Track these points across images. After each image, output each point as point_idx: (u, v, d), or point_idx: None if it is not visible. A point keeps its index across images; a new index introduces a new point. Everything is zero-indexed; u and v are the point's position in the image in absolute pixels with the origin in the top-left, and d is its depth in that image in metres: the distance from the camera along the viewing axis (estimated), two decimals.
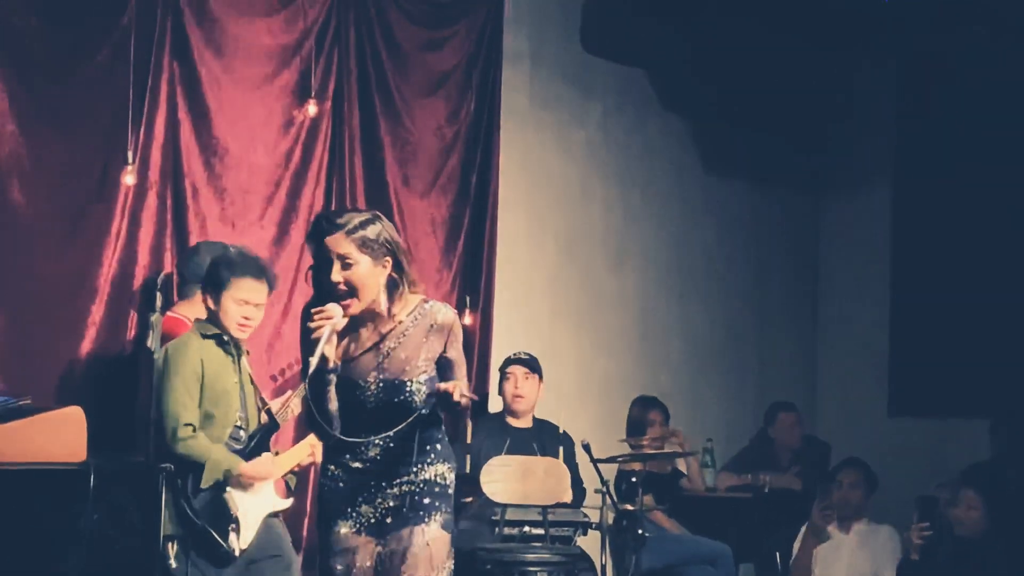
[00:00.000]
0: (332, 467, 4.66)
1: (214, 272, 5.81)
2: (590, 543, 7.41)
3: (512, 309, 8.55)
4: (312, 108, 7.51)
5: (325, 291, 4.52)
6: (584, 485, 7.40)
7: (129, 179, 6.75)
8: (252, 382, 6.00)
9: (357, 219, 4.55)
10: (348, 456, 4.61)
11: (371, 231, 4.53)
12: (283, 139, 7.49)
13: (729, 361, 9.93)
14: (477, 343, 8.19)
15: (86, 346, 6.67)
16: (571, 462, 7.43)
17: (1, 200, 6.45)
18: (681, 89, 9.57)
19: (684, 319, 9.71)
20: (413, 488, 4.60)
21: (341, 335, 4.56)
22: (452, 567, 4.65)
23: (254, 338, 6.37)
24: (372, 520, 4.61)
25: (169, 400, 5.62)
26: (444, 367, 4.65)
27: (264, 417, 5.97)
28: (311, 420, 4.57)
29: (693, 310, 9.77)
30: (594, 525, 7.31)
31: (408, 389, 4.56)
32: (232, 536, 5.66)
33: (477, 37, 8.34)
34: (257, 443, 5.86)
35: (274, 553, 5.90)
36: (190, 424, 5.64)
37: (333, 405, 4.55)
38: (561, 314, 8.87)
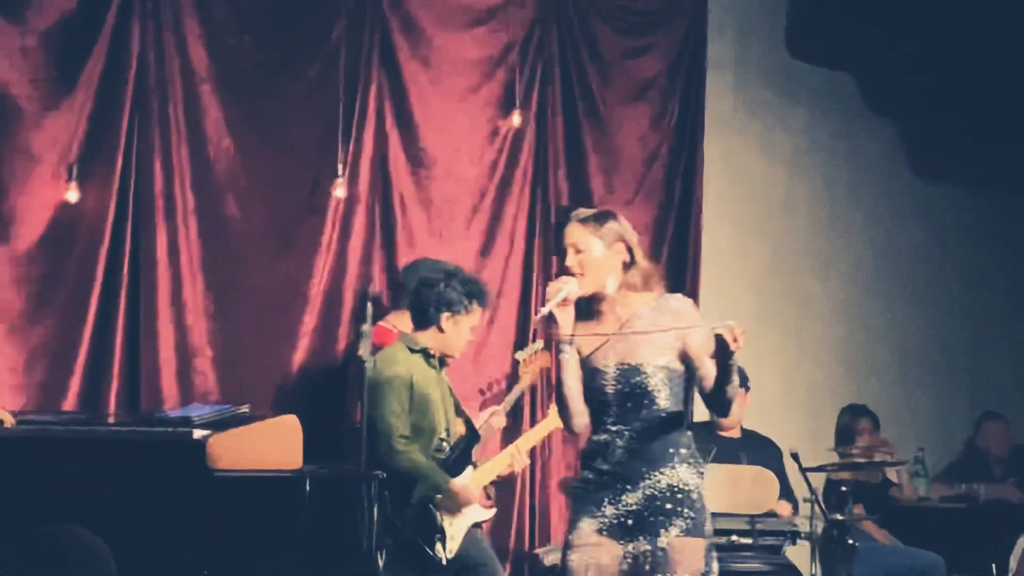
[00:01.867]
0: (585, 470, 4.73)
1: (456, 294, 5.92)
2: (799, 553, 7.31)
3: (717, 317, 8.40)
4: (516, 118, 7.56)
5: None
6: (794, 496, 7.31)
7: (339, 192, 6.87)
8: (452, 394, 6.09)
9: (589, 211, 4.79)
10: (599, 458, 4.67)
11: (600, 220, 4.74)
12: (488, 149, 7.55)
13: (940, 368, 9.71)
14: None
15: (299, 356, 6.81)
16: (780, 472, 7.34)
17: (217, 213, 6.64)
18: (889, 91, 9.39)
19: (893, 326, 9.52)
20: (655, 492, 4.62)
21: (583, 323, 4.70)
22: (705, 570, 4.61)
23: None
24: (615, 522, 4.63)
25: (383, 413, 5.72)
26: (690, 360, 4.71)
27: (463, 428, 6.06)
28: (562, 406, 4.69)
29: (902, 316, 9.58)
30: (803, 535, 7.21)
31: (643, 372, 4.64)
32: (439, 546, 5.73)
33: (680, 44, 8.30)
34: (460, 455, 5.93)
35: (481, 562, 5.96)
36: (404, 436, 5.74)
37: (573, 382, 4.66)
38: (767, 321, 8.78)
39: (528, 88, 7.66)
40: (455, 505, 5.80)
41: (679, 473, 4.64)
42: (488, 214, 7.54)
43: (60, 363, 6.20)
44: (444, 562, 5.75)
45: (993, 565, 7.86)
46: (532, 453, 7.43)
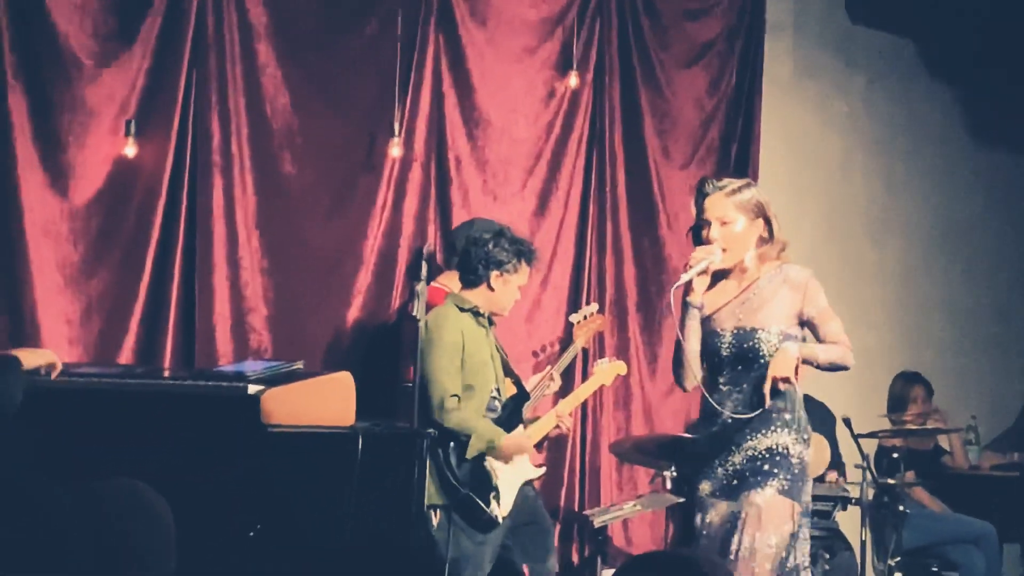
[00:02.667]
0: (697, 432, 4.95)
1: (505, 253, 5.93)
2: (849, 519, 7.31)
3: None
4: (573, 80, 7.53)
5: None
6: (843, 461, 7.30)
7: (395, 151, 6.87)
8: (502, 352, 6.10)
9: (736, 183, 4.87)
10: (710, 419, 4.83)
11: (746, 194, 4.84)
12: (544, 111, 7.54)
13: (995, 336, 9.65)
14: None
15: (353, 313, 6.84)
16: (830, 438, 7.32)
17: (274, 171, 6.65)
18: (948, 57, 9.31)
19: (948, 293, 9.47)
20: (755, 454, 4.76)
21: (711, 287, 4.85)
22: (794, 532, 4.72)
23: (515, 310, 6.46)
24: (724, 482, 4.79)
25: (434, 373, 5.75)
26: (812, 327, 4.89)
27: (513, 387, 6.08)
28: (679, 365, 4.86)
29: (958, 284, 9.52)
30: (854, 500, 7.21)
31: (757, 337, 4.77)
32: (494, 503, 5.76)
33: (739, 7, 8.25)
34: (510, 413, 5.95)
35: (532, 520, 6.00)
36: (456, 396, 5.76)
37: (695, 345, 4.83)
38: (822, 286, 8.72)
39: (585, 49, 7.64)
40: (509, 461, 5.84)
41: (780, 437, 4.76)
42: (543, 176, 7.53)
43: (116, 317, 6.24)
44: (500, 519, 5.78)
45: None
46: (584, 414, 7.46)
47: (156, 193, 6.31)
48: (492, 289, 5.95)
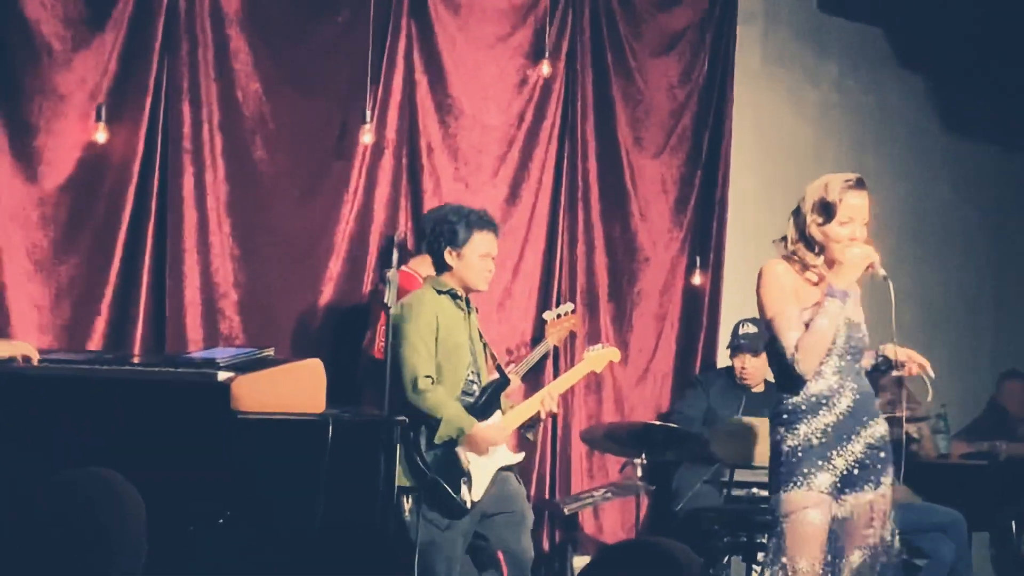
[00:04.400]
0: (801, 424, 4.92)
1: (452, 227, 5.89)
2: None
3: (743, 270, 8.44)
4: (546, 68, 7.53)
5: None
6: None
7: (367, 138, 6.86)
8: (482, 338, 6.09)
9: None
10: (823, 411, 4.90)
11: None
12: (516, 99, 7.54)
13: (964, 326, 9.69)
14: (707, 303, 8.18)
15: (324, 300, 6.84)
16: None
17: (245, 158, 6.64)
18: (919, 47, 9.34)
19: (918, 283, 9.49)
20: (873, 441, 4.93)
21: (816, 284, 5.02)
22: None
23: (486, 297, 6.47)
24: (845, 473, 4.89)
25: (407, 352, 5.73)
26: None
27: (495, 373, 6.06)
28: (815, 355, 4.91)
29: (928, 274, 9.55)
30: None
31: (863, 332, 5.07)
32: (464, 489, 5.74)
33: None
34: (488, 398, 5.93)
35: (508, 509, 5.96)
36: (429, 376, 5.74)
37: (832, 334, 4.95)
38: None
39: (558, 38, 7.64)
40: (481, 448, 5.82)
41: (884, 424, 5.01)
42: (515, 163, 7.53)
43: (86, 303, 6.22)
44: (469, 505, 5.76)
45: (1013, 523, 7.87)
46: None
47: (126, 179, 6.29)
48: (450, 267, 5.92)
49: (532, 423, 6.20)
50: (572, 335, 7.35)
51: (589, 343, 7.13)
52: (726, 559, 6.88)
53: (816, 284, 4.98)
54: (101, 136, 6.16)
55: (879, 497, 4.93)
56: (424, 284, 6.03)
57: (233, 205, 6.59)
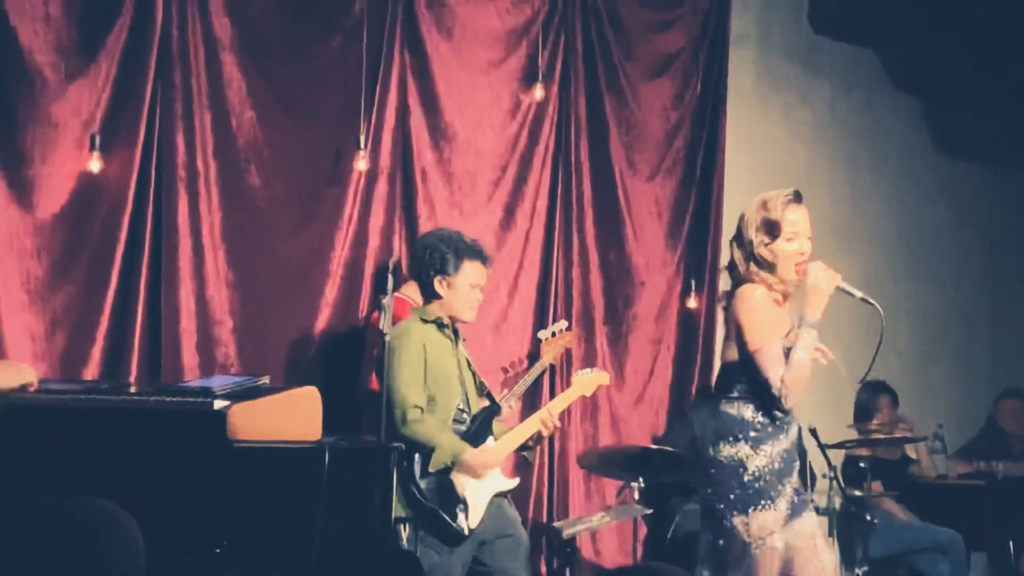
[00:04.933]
0: (768, 449, 4.88)
1: (443, 255, 5.88)
2: None
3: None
4: (539, 92, 7.54)
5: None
6: (813, 470, 7.31)
7: (361, 164, 6.86)
8: (470, 366, 6.08)
9: None
10: (782, 436, 4.89)
11: None
12: (510, 123, 7.54)
13: (960, 345, 9.71)
14: (703, 325, 8.17)
15: (320, 327, 6.82)
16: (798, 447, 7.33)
17: (239, 184, 6.63)
18: (912, 67, 9.37)
19: (913, 302, 9.51)
20: (800, 467, 5.01)
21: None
22: None
23: (481, 321, 6.46)
24: (794, 499, 4.86)
25: (397, 384, 5.72)
26: None
27: (484, 400, 6.06)
28: (800, 386, 4.95)
29: (923, 293, 9.57)
30: (821, 510, 7.22)
31: None
32: (461, 516, 5.74)
33: (703, 18, 8.28)
34: (480, 425, 5.93)
35: (506, 533, 5.96)
36: (418, 407, 5.74)
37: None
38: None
39: (551, 62, 7.65)
40: (476, 475, 5.81)
41: None
42: (509, 187, 7.54)
43: (81, 332, 6.20)
44: (467, 532, 5.76)
45: (1011, 542, 7.88)
46: None
47: (121, 207, 6.29)
48: (439, 296, 5.92)
49: (531, 444, 6.19)
50: (568, 352, 7.34)
51: (585, 367, 7.13)
52: None
53: (779, 304, 4.94)
54: (95, 165, 6.16)
55: (816, 527, 4.89)
56: (411, 314, 6.02)
57: (228, 232, 6.58)
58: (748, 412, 4.86)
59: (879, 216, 9.39)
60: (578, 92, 7.78)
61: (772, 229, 4.87)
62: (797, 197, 4.91)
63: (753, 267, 4.90)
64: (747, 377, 4.88)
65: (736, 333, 4.89)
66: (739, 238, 4.95)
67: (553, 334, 6.83)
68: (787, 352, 4.83)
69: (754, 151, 8.68)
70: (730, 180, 8.35)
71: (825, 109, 9.12)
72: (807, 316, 4.83)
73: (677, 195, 8.17)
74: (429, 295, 5.95)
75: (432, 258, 5.90)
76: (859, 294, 4.93)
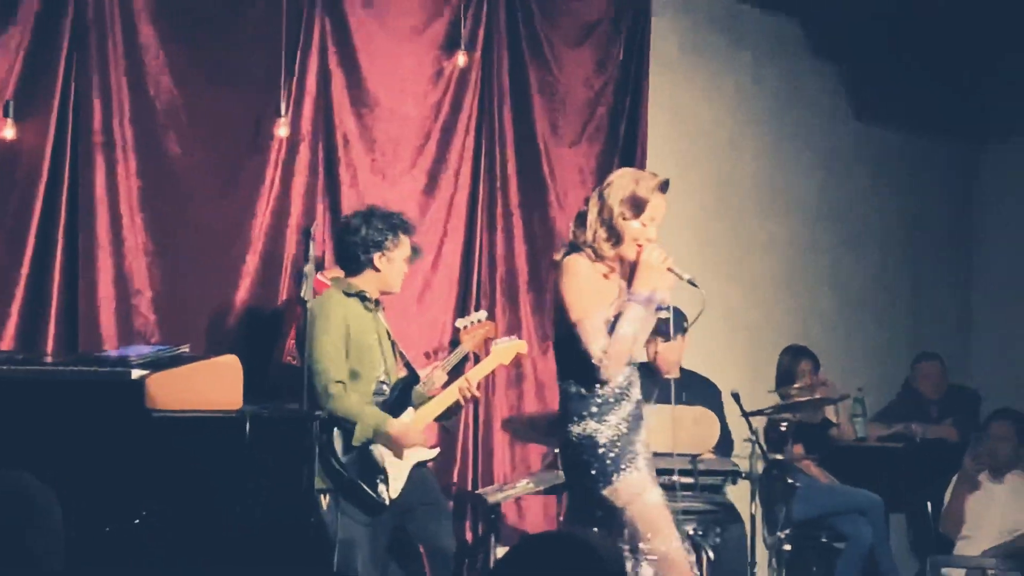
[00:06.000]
0: (613, 418, 4.87)
1: (383, 232, 5.90)
2: (740, 492, 7.37)
3: None
4: (462, 59, 7.52)
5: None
6: (732, 435, 7.35)
7: (282, 131, 6.82)
8: (390, 336, 6.08)
9: None
10: (624, 401, 4.89)
11: None
12: (433, 90, 7.51)
13: (881, 311, 9.79)
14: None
15: (240, 295, 6.77)
16: (719, 412, 7.37)
17: (158, 151, 6.56)
18: (833, 35, 9.41)
19: (835, 268, 9.59)
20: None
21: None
22: None
23: (405, 289, 6.44)
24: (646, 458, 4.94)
25: (318, 356, 5.71)
26: None
27: (403, 371, 6.06)
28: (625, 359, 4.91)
29: (844, 259, 9.64)
30: (744, 474, 7.26)
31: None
32: (381, 486, 5.74)
33: None
34: (399, 395, 5.94)
35: (427, 501, 5.99)
36: (340, 382, 5.73)
37: None
38: (710, 263, 8.80)
39: (474, 29, 7.62)
40: (396, 446, 5.81)
41: None
42: (432, 154, 7.51)
43: None
44: (387, 503, 5.77)
45: (928, 503, 7.98)
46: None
47: (37, 175, 6.20)
48: (378, 270, 5.93)
49: (450, 413, 6.20)
50: (491, 315, 7.33)
51: (509, 334, 7.13)
52: None
53: (607, 277, 4.93)
54: (9, 132, 6.07)
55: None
56: (331, 285, 6.00)
57: (146, 200, 6.51)
58: (585, 389, 4.86)
59: (801, 184, 9.44)
60: (501, 59, 7.77)
61: (638, 206, 4.86)
62: (665, 187, 4.91)
63: (601, 234, 4.87)
64: (572, 351, 4.87)
65: (558, 304, 4.89)
66: (601, 202, 4.90)
67: (471, 323, 6.78)
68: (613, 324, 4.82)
69: (678, 118, 8.70)
70: (653, 147, 8.37)
71: (748, 76, 9.15)
72: (634, 291, 4.82)
73: (600, 161, 8.17)
74: (356, 271, 5.94)
75: (369, 235, 5.91)
76: (686, 276, 4.91)
